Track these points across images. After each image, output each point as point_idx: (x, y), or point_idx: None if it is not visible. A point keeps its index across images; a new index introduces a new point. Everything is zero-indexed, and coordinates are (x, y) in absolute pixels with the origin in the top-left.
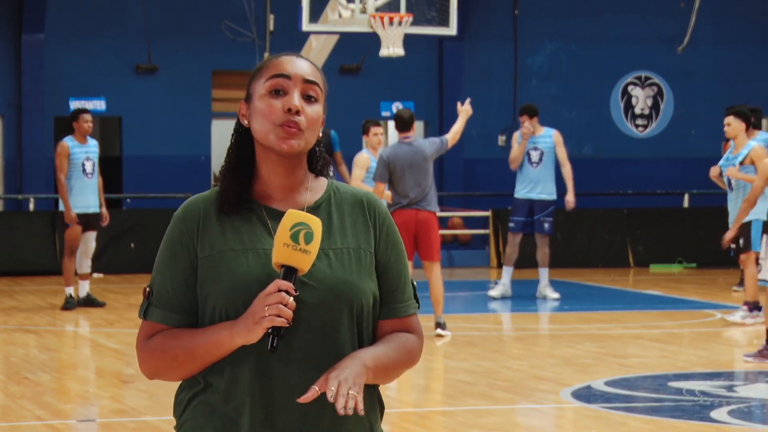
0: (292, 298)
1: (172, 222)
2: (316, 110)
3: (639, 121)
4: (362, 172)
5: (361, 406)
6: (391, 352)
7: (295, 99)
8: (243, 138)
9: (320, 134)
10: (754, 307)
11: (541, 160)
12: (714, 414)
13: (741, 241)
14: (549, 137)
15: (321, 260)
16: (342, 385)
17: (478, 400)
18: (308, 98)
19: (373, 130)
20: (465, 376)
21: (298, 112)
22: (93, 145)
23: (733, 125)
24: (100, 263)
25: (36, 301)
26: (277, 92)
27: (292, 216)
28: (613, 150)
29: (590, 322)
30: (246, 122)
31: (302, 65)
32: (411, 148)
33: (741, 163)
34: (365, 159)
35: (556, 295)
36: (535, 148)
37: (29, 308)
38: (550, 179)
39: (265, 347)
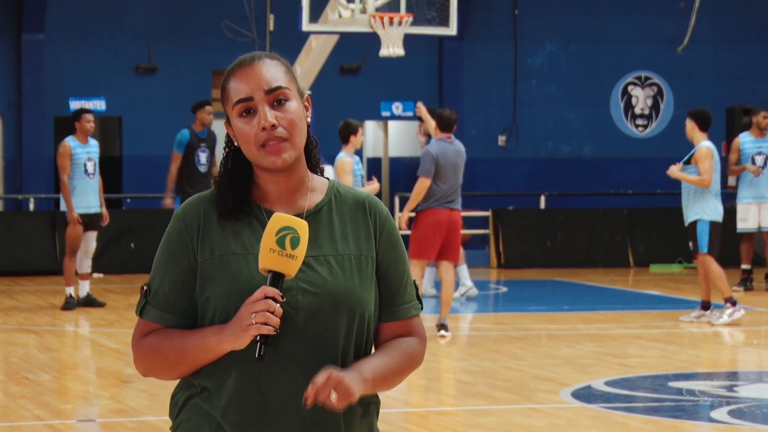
0: (278, 305)
1: (172, 221)
2: (292, 110)
3: (639, 121)
4: (350, 177)
5: (334, 403)
6: (390, 361)
7: (267, 115)
8: (236, 152)
9: (309, 120)
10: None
11: None
12: (714, 414)
13: (691, 244)
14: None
15: (322, 267)
16: (330, 378)
17: (478, 400)
18: (279, 102)
19: (360, 130)
20: (465, 376)
21: (273, 126)
22: (94, 145)
23: (687, 126)
24: (100, 263)
25: (36, 301)
26: (248, 111)
27: (278, 220)
28: (613, 150)
29: (590, 322)
30: (236, 143)
31: (259, 75)
32: (455, 147)
33: (687, 162)
34: (349, 164)
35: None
36: None
37: (29, 308)
38: None
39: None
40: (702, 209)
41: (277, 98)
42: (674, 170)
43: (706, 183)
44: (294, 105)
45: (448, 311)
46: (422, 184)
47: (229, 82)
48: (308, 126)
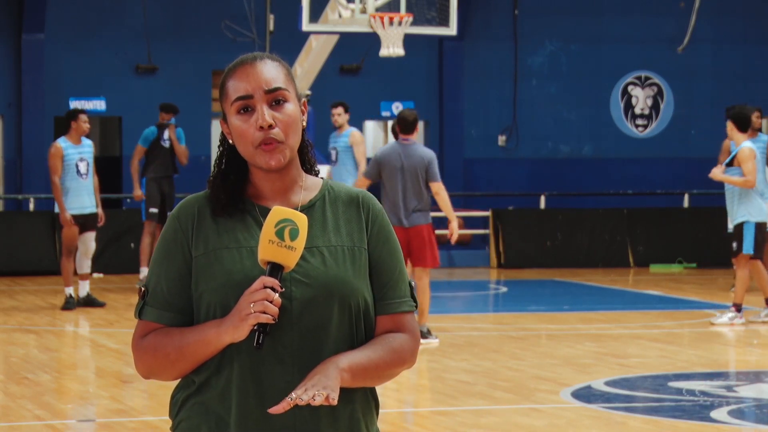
0: (277, 294)
1: (168, 221)
2: (289, 112)
3: (639, 121)
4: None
5: (328, 401)
6: (372, 354)
7: (265, 115)
8: (230, 150)
9: (304, 124)
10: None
11: (336, 159)
12: (714, 414)
13: (734, 244)
14: (346, 136)
15: (315, 257)
16: (308, 392)
17: (478, 400)
18: (277, 102)
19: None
20: (465, 376)
21: (270, 126)
22: (87, 146)
23: (728, 127)
24: (100, 263)
25: (36, 301)
26: (246, 109)
27: (277, 212)
28: (613, 150)
29: (590, 322)
30: (231, 140)
31: (259, 74)
32: (406, 150)
33: (729, 164)
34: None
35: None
36: (333, 148)
37: (29, 308)
38: (347, 176)
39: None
40: (748, 211)
41: (275, 98)
42: (717, 173)
43: (750, 184)
44: (291, 107)
45: (425, 319)
46: (358, 182)
47: (228, 80)
48: (303, 129)
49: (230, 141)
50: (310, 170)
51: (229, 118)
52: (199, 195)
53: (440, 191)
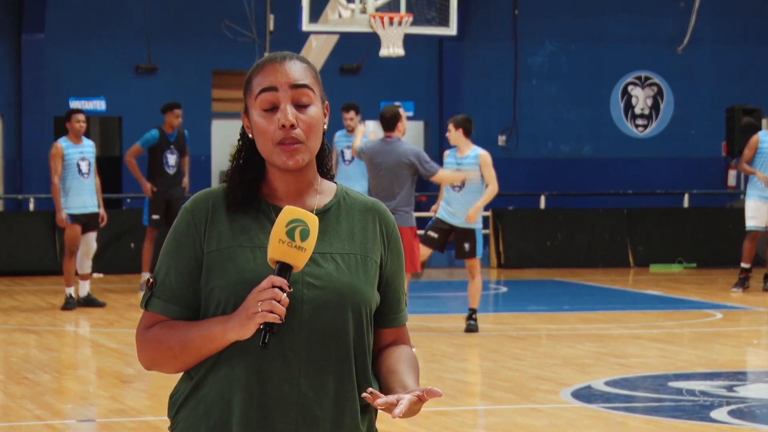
0: (285, 294)
1: (180, 214)
2: (312, 115)
3: (639, 121)
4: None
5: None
6: (416, 376)
7: (288, 113)
8: (249, 145)
9: (325, 126)
10: None
11: (351, 159)
12: (714, 414)
13: None
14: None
15: (328, 263)
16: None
17: (478, 400)
18: (301, 104)
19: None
20: (465, 376)
21: (293, 126)
22: (88, 146)
23: None
24: (100, 263)
25: (36, 301)
26: (270, 108)
27: (289, 212)
28: (613, 150)
29: (590, 322)
30: (251, 135)
31: (288, 69)
32: (386, 148)
33: None
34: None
35: None
36: (349, 147)
37: (29, 308)
38: (361, 178)
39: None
40: None
41: (300, 99)
42: None
43: None
44: (315, 110)
45: None
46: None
47: (255, 76)
48: (324, 132)
49: (250, 135)
50: (327, 174)
51: (251, 112)
52: (213, 189)
53: (442, 179)
